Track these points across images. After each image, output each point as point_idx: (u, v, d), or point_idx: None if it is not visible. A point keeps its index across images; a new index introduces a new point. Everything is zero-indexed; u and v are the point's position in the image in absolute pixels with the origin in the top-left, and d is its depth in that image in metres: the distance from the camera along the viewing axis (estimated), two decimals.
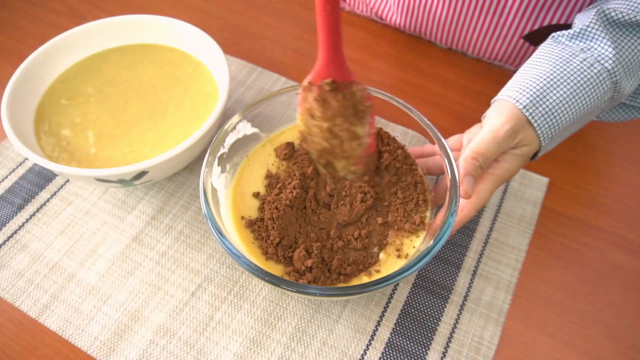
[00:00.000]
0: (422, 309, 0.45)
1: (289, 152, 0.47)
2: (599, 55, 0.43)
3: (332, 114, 0.40)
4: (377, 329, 0.44)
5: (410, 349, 0.43)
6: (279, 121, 0.49)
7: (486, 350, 0.43)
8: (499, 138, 0.41)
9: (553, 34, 0.47)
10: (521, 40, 0.60)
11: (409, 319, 0.45)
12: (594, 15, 0.44)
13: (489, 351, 0.43)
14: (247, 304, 0.46)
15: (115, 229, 0.50)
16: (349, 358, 0.43)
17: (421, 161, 0.47)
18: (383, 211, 0.44)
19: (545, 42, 0.47)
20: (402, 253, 0.42)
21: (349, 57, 0.67)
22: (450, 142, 0.48)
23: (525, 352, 0.44)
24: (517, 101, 0.42)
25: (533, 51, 0.60)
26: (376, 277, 0.41)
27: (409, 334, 0.44)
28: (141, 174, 0.45)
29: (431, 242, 0.38)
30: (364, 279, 0.41)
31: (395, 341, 0.44)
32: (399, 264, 0.41)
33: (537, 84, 0.43)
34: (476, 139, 0.42)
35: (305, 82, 0.40)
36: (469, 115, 0.60)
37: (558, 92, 0.43)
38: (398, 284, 0.47)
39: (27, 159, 0.56)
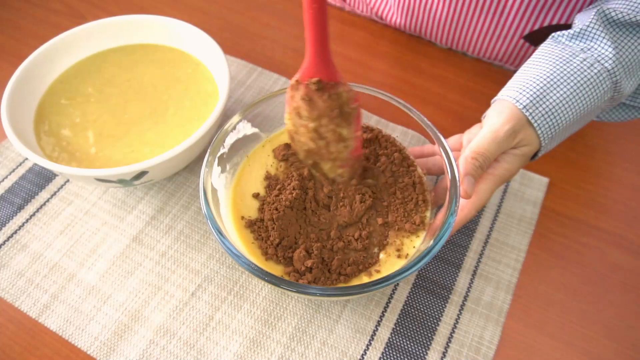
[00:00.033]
0: (422, 309, 0.45)
1: (287, 153, 0.47)
2: (599, 55, 0.43)
3: (318, 114, 0.39)
4: (377, 329, 0.44)
5: (410, 349, 0.43)
6: (279, 121, 0.49)
7: (486, 350, 0.43)
8: (499, 138, 0.41)
9: (553, 34, 0.47)
10: (521, 41, 0.60)
11: (409, 319, 0.45)
12: (594, 15, 0.44)
13: (489, 351, 0.43)
14: (247, 304, 0.46)
15: (115, 229, 0.50)
16: (349, 358, 0.43)
17: (421, 161, 0.47)
18: (383, 211, 0.44)
19: (545, 42, 0.47)
20: (402, 253, 0.42)
21: (349, 57, 0.68)
22: (450, 142, 0.48)
23: (525, 352, 0.44)
24: (517, 101, 0.42)
25: (533, 51, 0.60)
26: (376, 277, 0.41)
27: (409, 334, 0.44)
28: (141, 174, 0.45)
29: (431, 242, 0.38)
30: (364, 279, 0.41)
31: (395, 341, 0.44)
32: (399, 264, 0.41)
33: (537, 84, 0.43)
34: (476, 139, 0.42)
35: (292, 81, 0.40)
36: (469, 115, 0.60)
37: (558, 92, 0.43)
38: (398, 284, 0.47)
39: (27, 159, 0.56)
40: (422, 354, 0.43)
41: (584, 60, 0.43)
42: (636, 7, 0.43)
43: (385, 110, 0.48)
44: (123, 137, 0.50)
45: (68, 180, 0.54)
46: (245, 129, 0.47)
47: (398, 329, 0.44)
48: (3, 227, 0.51)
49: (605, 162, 0.57)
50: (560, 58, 0.44)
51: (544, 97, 0.42)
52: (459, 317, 0.45)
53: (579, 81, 0.43)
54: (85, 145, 0.50)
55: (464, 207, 0.42)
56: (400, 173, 0.46)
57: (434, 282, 0.47)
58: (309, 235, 0.42)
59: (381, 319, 0.45)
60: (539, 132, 0.42)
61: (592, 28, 0.44)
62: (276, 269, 0.41)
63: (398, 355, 0.43)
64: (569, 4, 0.54)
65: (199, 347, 0.43)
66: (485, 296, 0.46)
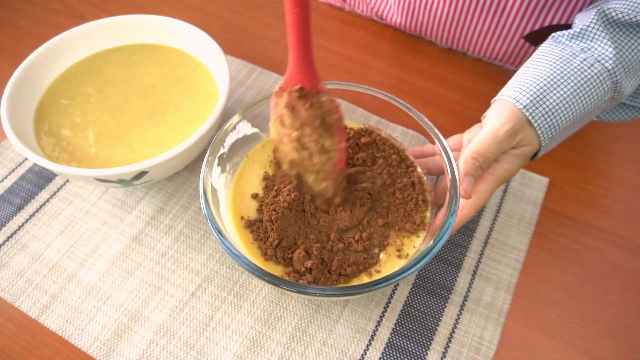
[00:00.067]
0: (422, 309, 0.45)
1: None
2: (599, 55, 0.43)
3: (300, 123, 0.38)
4: (377, 329, 0.44)
5: (410, 349, 0.43)
6: None
7: (486, 350, 0.43)
8: (499, 138, 0.41)
9: (553, 34, 0.47)
10: (521, 40, 0.60)
11: (409, 319, 0.45)
12: (594, 15, 0.44)
13: (489, 351, 0.43)
14: (247, 304, 0.46)
15: (115, 229, 0.50)
16: (349, 358, 0.43)
17: (421, 161, 0.47)
18: (383, 212, 0.44)
19: (545, 42, 0.47)
20: (402, 253, 0.42)
21: (349, 57, 0.68)
22: (450, 142, 0.48)
23: (525, 352, 0.44)
24: (517, 101, 0.42)
25: (533, 51, 0.60)
26: (376, 277, 0.41)
27: (409, 334, 0.44)
28: (141, 174, 0.45)
29: (431, 242, 0.38)
30: (364, 279, 0.41)
31: (395, 341, 0.44)
32: (400, 264, 0.41)
33: (537, 84, 0.43)
34: (476, 139, 0.42)
35: (276, 88, 0.39)
36: (469, 115, 0.60)
37: (558, 92, 0.43)
38: (398, 284, 0.47)
39: (27, 159, 0.56)
40: (422, 354, 0.43)
41: (584, 60, 0.43)
42: (636, 7, 0.43)
43: (385, 110, 0.48)
44: (123, 137, 0.50)
45: (68, 180, 0.54)
46: (245, 129, 0.47)
47: (398, 329, 0.44)
48: (3, 227, 0.51)
49: (605, 162, 0.57)
50: (561, 58, 0.44)
51: (544, 97, 0.42)
52: (459, 317, 0.45)
53: (579, 81, 0.43)
54: (85, 145, 0.50)
55: (464, 207, 0.42)
56: (398, 174, 0.46)
57: (434, 282, 0.47)
58: (308, 236, 0.42)
59: (381, 319, 0.45)
60: (539, 132, 0.42)
61: (593, 28, 0.44)
62: (276, 270, 0.41)
63: (398, 355, 0.43)
64: (569, 4, 0.54)
65: (199, 347, 0.43)
66: (485, 296, 0.46)
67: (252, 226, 0.43)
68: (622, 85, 0.44)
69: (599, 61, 0.43)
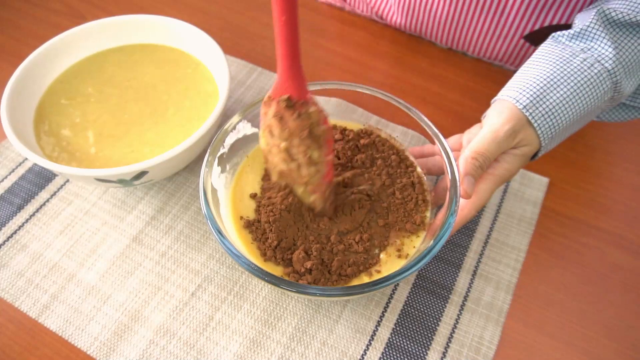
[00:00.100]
0: (422, 309, 0.45)
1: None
2: (599, 56, 0.43)
3: (288, 133, 0.38)
4: (377, 329, 0.44)
5: (410, 349, 0.43)
6: None
7: (486, 350, 0.43)
8: (499, 138, 0.41)
9: (553, 34, 0.47)
10: (521, 40, 0.60)
11: (409, 319, 0.45)
12: (594, 15, 0.44)
13: (489, 351, 0.43)
14: (247, 304, 0.46)
15: (115, 229, 0.50)
16: (349, 358, 0.43)
17: (421, 161, 0.47)
18: (383, 213, 0.44)
19: (545, 42, 0.47)
20: (402, 253, 0.42)
21: (349, 57, 0.68)
22: (450, 142, 0.48)
23: (525, 352, 0.44)
24: (517, 101, 0.42)
25: (533, 51, 0.60)
26: (377, 277, 0.41)
27: (409, 334, 0.44)
28: (141, 174, 0.45)
29: (431, 242, 0.38)
30: (365, 279, 0.41)
31: (395, 341, 0.44)
32: (400, 264, 0.41)
33: (537, 84, 0.43)
34: (476, 139, 0.42)
35: (265, 97, 0.39)
36: (469, 115, 0.60)
37: (558, 92, 0.43)
38: (398, 284, 0.47)
39: (26, 159, 0.56)
40: (422, 354, 0.43)
41: (584, 60, 0.43)
42: (636, 7, 0.43)
43: (385, 110, 0.48)
44: (123, 137, 0.50)
45: (68, 180, 0.54)
46: (245, 129, 0.47)
47: (398, 329, 0.44)
48: (3, 227, 0.51)
49: (605, 162, 0.57)
50: (561, 58, 0.44)
51: (544, 97, 0.42)
52: (459, 317, 0.45)
53: (579, 81, 0.43)
54: (85, 145, 0.50)
55: (464, 207, 0.42)
56: (398, 174, 0.46)
57: (434, 282, 0.47)
58: (307, 237, 0.42)
59: (381, 319, 0.45)
60: (539, 132, 0.42)
61: (592, 28, 0.44)
62: (275, 270, 0.41)
63: (398, 355, 0.43)
64: (569, 4, 0.54)
65: (199, 347, 0.43)
66: (485, 296, 0.46)
67: (251, 227, 0.43)
68: (622, 85, 0.44)
69: (598, 61, 0.43)
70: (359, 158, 0.46)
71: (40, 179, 0.54)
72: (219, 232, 0.39)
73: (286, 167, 0.40)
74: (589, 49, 0.44)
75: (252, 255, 0.42)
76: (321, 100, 0.49)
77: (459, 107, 0.62)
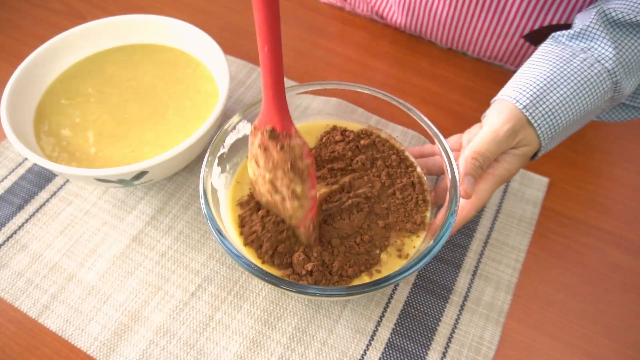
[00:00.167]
0: (422, 309, 0.45)
1: None
2: (599, 55, 0.43)
3: (272, 165, 0.38)
4: (377, 329, 0.44)
5: (410, 349, 0.43)
6: None
7: (486, 350, 0.43)
8: (499, 138, 0.41)
9: (553, 34, 0.47)
10: (521, 40, 0.60)
11: (409, 319, 0.45)
12: (595, 15, 0.44)
13: (489, 351, 0.43)
14: (247, 304, 0.46)
15: (115, 229, 0.50)
16: (349, 358, 0.43)
17: (421, 161, 0.47)
18: (383, 214, 0.44)
19: (545, 42, 0.47)
20: (402, 253, 0.42)
21: (349, 57, 0.68)
22: (450, 142, 0.48)
23: (525, 352, 0.44)
24: (517, 101, 0.42)
25: (533, 51, 0.60)
26: (377, 277, 0.41)
27: (409, 334, 0.44)
28: (141, 174, 0.45)
29: (431, 242, 0.38)
30: (365, 279, 0.41)
31: (395, 341, 0.44)
32: (400, 264, 0.41)
33: (537, 84, 0.43)
34: (476, 139, 0.42)
35: (251, 127, 0.39)
36: (469, 115, 0.60)
37: (558, 92, 0.43)
38: (398, 284, 0.47)
39: (26, 159, 0.56)
40: (422, 354, 0.43)
41: (584, 60, 0.43)
42: (636, 7, 0.43)
43: (385, 110, 0.48)
44: (123, 137, 0.50)
45: (68, 180, 0.54)
46: (245, 129, 0.47)
47: (398, 329, 0.44)
48: (3, 227, 0.51)
49: (605, 162, 0.57)
50: (561, 58, 0.44)
51: (544, 97, 0.42)
52: (459, 317, 0.45)
53: (579, 81, 0.43)
54: (85, 145, 0.50)
55: (464, 207, 0.42)
56: (398, 174, 0.46)
57: (434, 282, 0.47)
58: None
59: (381, 319, 0.45)
60: (539, 132, 0.42)
61: (593, 28, 0.44)
62: (276, 272, 0.41)
63: (398, 355, 0.43)
64: (569, 4, 0.54)
65: (199, 347, 0.43)
66: (485, 296, 0.46)
67: (247, 232, 0.43)
68: (622, 85, 0.44)
69: (599, 61, 0.43)
70: (359, 159, 0.46)
71: (40, 179, 0.54)
72: (219, 232, 0.39)
73: (271, 198, 0.40)
74: (589, 49, 0.44)
75: (252, 255, 0.42)
76: (321, 100, 0.49)
77: (459, 107, 0.62)
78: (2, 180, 0.54)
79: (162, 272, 0.47)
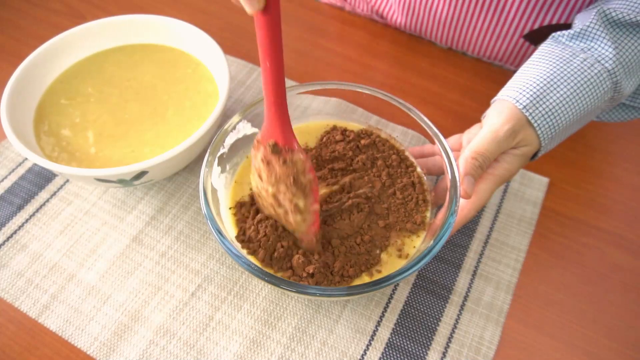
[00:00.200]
0: (422, 309, 0.45)
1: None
2: (599, 56, 0.43)
3: (275, 179, 0.38)
4: (377, 329, 0.44)
5: (410, 349, 0.43)
6: None
7: (486, 350, 0.43)
8: (499, 138, 0.41)
9: (553, 34, 0.47)
10: (521, 40, 0.60)
11: (409, 319, 0.45)
12: (595, 15, 0.44)
13: (489, 351, 0.43)
14: (247, 304, 0.46)
15: (115, 229, 0.50)
16: (349, 358, 0.43)
17: (421, 161, 0.47)
18: (383, 214, 0.44)
19: (545, 42, 0.48)
20: (403, 253, 0.42)
21: (349, 57, 0.68)
22: (450, 142, 0.48)
23: (525, 352, 0.44)
24: (517, 101, 0.42)
25: (533, 51, 0.60)
26: (377, 277, 0.41)
27: (409, 334, 0.44)
28: (141, 174, 0.45)
29: (431, 242, 0.38)
30: (366, 279, 0.41)
31: (395, 341, 0.44)
32: (400, 263, 0.41)
33: (537, 84, 0.43)
34: (476, 139, 0.42)
35: (255, 140, 0.40)
36: (469, 115, 0.60)
37: (558, 92, 0.43)
38: (398, 284, 0.47)
39: (26, 159, 0.56)
40: (422, 354, 0.43)
41: (584, 60, 0.43)
42: (636, 7, 0.43)
43: (385, 110, 0.48)
44: (123, 137, 0.50)
45: (68, 180, 0.54)
46: (245, 129, 0.47)
47: (398, 329, 0.44)
48: (3, 227, 0.51)
49: (605, 162, 0.57)
50: (561, 58, 0.44)
51: (544, 97, 0.42)
52: (459, 317, 0.45)
53: (579, 81, 0.43)
54: (85, 145, 0.50)
55: (464, 207, 0.42)
56: (398, 174, 0.46)
57: (434, 282, 0.47)
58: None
59: (381, 319, 0.45)
60: (539, 132, 0.42)
61: (593, 28, 0.44)
62: (276, 273, 0.41)
63: (398, 355, 0.43)
64: (569, 4, 0.54)
65: (199, 347, 0.43)
66: (485, 296, 0.46)
67: (244, 238, 0.42)
68: (622, 85, 0.44)
69: (599, 61, 0.43)
70: (360, 159, 0.46)
71: (40, 179, 0.54)
72: (219, 232, 0.39)
73: (275, 212, 0.40)
74: (589, 49, 0.44)
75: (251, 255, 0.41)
76: (321, 100, 0.49)
77: (459, 107, 0.62)
78: (2, 180, 0.54)
79: (162, 272, 0.47)
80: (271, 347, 0.43)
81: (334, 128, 0.50)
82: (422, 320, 0.45)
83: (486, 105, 0.47)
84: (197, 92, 0.54)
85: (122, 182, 0.46)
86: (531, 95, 0.42)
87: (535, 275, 0.48)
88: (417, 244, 0.43)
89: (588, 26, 0.45)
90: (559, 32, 0.47)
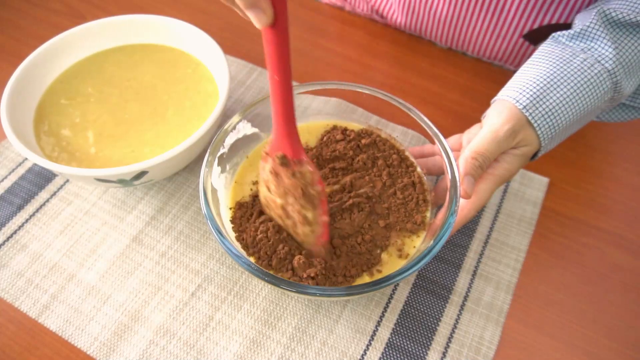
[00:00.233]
0: (422, 309, 0.45)
1: None
2: (599, 56, 0.43)
3: (283, 191, 0.38)
4: (377, 329, 0.44)
5: (410, 349, 0.43)
6: None
7: (486, 350, 0.43)
8: (499, 138, 0.41)
9: (553, 34, 0.47)
10: (521, 40, 0.60)
11: (409, 319, 0.45)
12: (595, 15, 0.44)
13: (489, 351, 0.43)
14: (247, 304, 0.46)
15: (115, 229, 0.50)
16: (349, 358, 0.43)
17: (421, 161, 0.47)
18: (384, 213, 0.44)
19: (545, 42, 0.48)
20: (403, 253, 0.42)
21: (349, 57, 0.68)
22: (450, 142, 0.48)
23: (525, 352, 0.44)
24: (517, 101, 0.42)
25: (533, 51, 0.60)
26: (378, 277, 0.41)
27: (409, 334, 0.44)
28: (141, 174, 0.45)
29: (431, 242, 0.38)
30: (366, 278, 0.41)
31: (395, 341, 0.44)
32: (400, 263, 0.41)
33: (537, 84, 0.43)
34: (476, 139, 0.42)
35: (263, 152, 0.40)
36: (469, 115, 0.60)
37: (558, 92, 0.43)
38: (398, 284, 0.47)
39: (26, 159, 0.56)
40: (422, 354, 0.43)
41: (584, 60, 0.43)
42: (636, 7, 0.43)
43: (385, 110, 0.48)
44: (123, 137, 0.50)
45: (68, 180, 0.54)
46: (245, 129, 0.47)
47: (398, 329, 0.44)
48: (3, 227, 0.51)
49: (605, 162, 0.57)
50: (561, 58, 0.44)
51: (544, 97, 0.42)
52: (459, 317, 0.45)
53: (579, 81, 0.43)
54: (85, 145, 0.50)
55: (464, 207, 0.42)
56: (399, 174, 0.46)
57: (434, 282, 0.47)
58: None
59: (381, 319, 0.45)
60: (539, 132, 0.42)
61: (593, 28, 0.44)
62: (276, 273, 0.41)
63: (398, 355, 0.43)
64: (568, 4, 0.54)
65: (199, 347, 0.43)
66: (485, 296, 0.46)
67: (246, 242, 0.42)
68: (622, 85, 0.44)
69: (599, 61, 0.43)
70: (360, 158, 0.46)
71: (40, 179, 0.54)
72: (219, 232, 0.39)
73: (283, 223, 0.41)
74: (589, 49, 0.44)
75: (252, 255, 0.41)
76: (321, 100, 0.49)
77: (459, 107, 0.62)
78: (2, 180, 0.54)
79: (162, 272, 0.47)
80: (271, 347, 0.43)
81: (334, 128, 0.50)
82: (422, 320, 0.45)
83: (486, 105, 0.47)
84: (197, 92, 0.54)
85: (122, 182, 0.46)
86: (531, 96, 0.42)
87: (535, 275, 0.48)
88: (417, 244, 0.43)
89: (588, 26, 0.45)
90: (559, 32, 0.47)
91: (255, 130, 0.48)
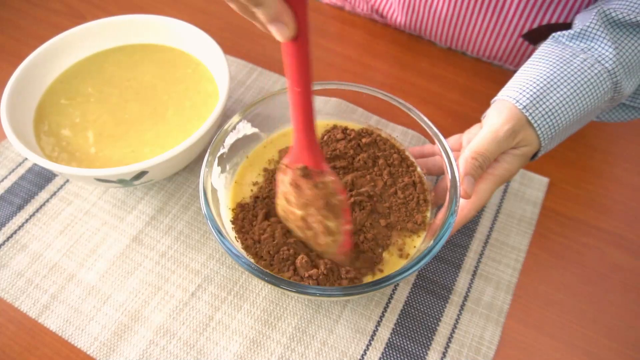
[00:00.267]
0: (422, 309, 0.45)
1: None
2: (600, 56, 0.43)
3: (304, 202, 0.38)
4: (377, 329, 0.44)
5: (410, 349, 0.43)
6: (279, 121, 0.49)
7: (486, 350, 0.43)
8: (499, 138, 0.41)
9: (553, 34, 0.47)
10: (521, 39, 0.60)
11: (409, 319, 0.45)
12: (595, 15, 0.44)
13: (489, 351, 0.43)
14: (247, 304, 0.46)
15: (115, 229, 0.50)
16: (349, 358, 0.43)
17: (421, 161, 0.47)
18: (385, 212, 0.44)
19: (545, 42, 0.48)
20: (403, 253, 0.42)
21: (349, 57, 0.68)
22: (450, 142, 0.48)
23: (525, 352, 0.44)
24: (517, 101, 0.42)
25: (533, 50, 0.60)
26: (379, 276, 0.41)
27: (409, 334, 0.44)
28: (141, 174, 0.45)
29: (431, 242, 0.38)
30: (368, 277, 0.41)
31: (395, 341, 0.44)
32: (401, 263, 0.41)
33: (537, 84, 0.43)
34: (476, 139, 0.42)
35: (281, 164, 0.39)
36: (469, 115, 0.60)
37: (558, 92, 0.43)
38: (398, 284, 0.47)
39: (26, 159, 0.56)
40: (422, 354, 0.43)
41: (585, 60, 0.43)
42: (636, 7, 0.43)
43: (385, 110, 0.48)
44: (123, 137, 0.50)
45: (68, 180, 0.54)
46: (245, 129, 0.47)
47: (398, 329, 0.44)
48: (3, 227, 0.51)
49: (605, 162, 0.57)
50: (561, 58, 0.44)
51: (544, 97, 0.42)
52: (459, 317, 0.45)
53: (579, 81, 0.43)
54: (85, 145, 0.50)
55: (464, 207, 0.42)
56: (399, 173, 0.46)
57: (434, 282, 0.47)
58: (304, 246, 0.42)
59: (381, 319, 0.45)
60: (539, 132, 0.42)
61: (593, 28, 0.44)
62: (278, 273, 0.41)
63: (398, 355, 0.43)
64: (568, 3, 0.54)
65: (199, 347, 0.43)
66: (485, 296, 0.46)
67: (247, 242, 0.42)
68: (622, 85, 0.44)
69: (599, 61, 0.43)
70: (361, 157, 0.46)
71: (40, 179, 0.54)
72: (219, 232, 0.39)
73: (303, 235, 0.40)
74: (589, 49, 0.44)
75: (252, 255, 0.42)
76: (321, 100, 0.49)
77: (459, 107, 0.62)
78: (2, 180, 0.54)
79: (162, 272, 0.47)
80: (271, 347, 0.43)
81: (335, 127, 0.50)
82: (422, 320, 0.45)
83: (486, 105, 0.47)
84: (197, 92, 0.54)
85: (122, 182, 0.46)
86: (531, 96, 0.42)
87: (535, 275, 0.48)
88: (417, 244, 0.43)
89: (588, 26, 0.45)
90: (559, 32, 0.47)
91: (255, 130, 0.48)
